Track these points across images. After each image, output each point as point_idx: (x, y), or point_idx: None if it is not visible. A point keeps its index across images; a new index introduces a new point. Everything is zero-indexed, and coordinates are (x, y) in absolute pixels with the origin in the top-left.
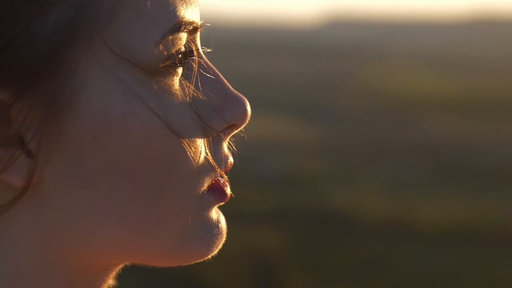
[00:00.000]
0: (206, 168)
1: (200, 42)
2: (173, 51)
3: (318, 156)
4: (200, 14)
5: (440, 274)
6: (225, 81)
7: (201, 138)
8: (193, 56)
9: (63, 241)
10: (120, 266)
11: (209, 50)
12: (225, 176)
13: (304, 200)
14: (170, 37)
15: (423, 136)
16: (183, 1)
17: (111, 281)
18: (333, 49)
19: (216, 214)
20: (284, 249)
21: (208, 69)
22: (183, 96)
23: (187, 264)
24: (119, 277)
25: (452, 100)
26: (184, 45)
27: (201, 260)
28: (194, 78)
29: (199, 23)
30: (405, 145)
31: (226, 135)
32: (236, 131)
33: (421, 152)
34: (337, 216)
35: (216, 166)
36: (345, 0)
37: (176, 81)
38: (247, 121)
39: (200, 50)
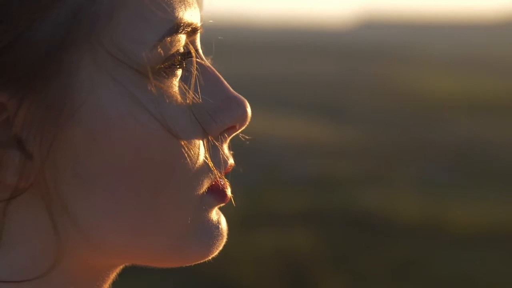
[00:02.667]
0: (206, 169)
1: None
2: (171, 52)
3: (350, 157)
4: (201, 16)
5: (473, 276)
6: (225, 82)
7: (200, 139)
8: (192, 57)
9: (63, 241)
10: (121, 267)
11: (209, 59)
12: (224, 178)
13: (336, 202)
14: (168, 39)
15: (455, 137)
16: (182, 3)
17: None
18: (365, 51)
19: (216, 215)
20: (316, 251)
21: (208, 71)
22: (182, 98)
23: (187, 265)
24: (150, 277)
25: (484, 100)
26: (183, 47)
27: (201, 261)
28: (193, 80)
29: (199, 24)
30: (437, 146)
31: (226, 136)
32: (236, 133)
33: (453, 153)
34: (369, 217)
35: (215, 168)
36: (377, 1)
37: (175, 82)
38: (247, 123)
39: (200, 52)
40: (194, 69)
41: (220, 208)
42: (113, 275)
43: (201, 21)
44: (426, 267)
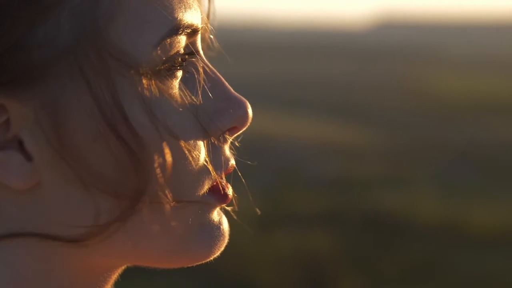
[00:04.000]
0: (206, 170)
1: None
2: (171, 54)
3: (369, 158)
4: (202, 17)
5: (493, 278)
6: (226, 83)
7: (200, 140)
8: (192, 58)
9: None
10: (123, 268)
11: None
12: (222, 180)
13: (355, 203)
14: (168, 40)
15: (475, 139)
16: (182, 4)
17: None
18: (383, 51)
19: (217, 216)
20: (336, 252)
21: (209, 72)
22: (183, 99)
23: (188, 265)
24: (170, 277)
25: (504, 101)
26: (184, 48)
27: (203, 262)
28: (195, 81)
29: (199, 26)
30: (457, 148)
31: (227, 137)
32: (237, 134)
33: (473, 154)
34: (389, 219)
35: (213, 171)
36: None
37: (175, 84)
38: (248, 124)
39: (201, 53)
40: (195, 70)
41: (239, 210)
42: (114, 276)
43: (202, 22)
44: (445, 269)
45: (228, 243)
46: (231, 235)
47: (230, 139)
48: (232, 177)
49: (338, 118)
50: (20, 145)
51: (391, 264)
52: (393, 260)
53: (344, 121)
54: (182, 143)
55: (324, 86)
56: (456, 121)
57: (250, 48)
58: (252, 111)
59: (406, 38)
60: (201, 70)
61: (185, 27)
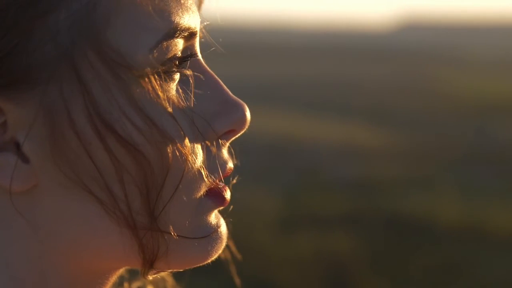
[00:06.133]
0: (203, 173)
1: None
2: (168, 57)
3: (392, 160)
4: (201, 20)
5: None
6: (224, 86)
7: (198, 144)
8: (188, 61)
9: (61, 244)
10: (121, 270)
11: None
12: (216, 184)
13: (378, 205)
14: (165, 43)
15: (498, 140)
16: (179, 7)
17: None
18: (407, 53)
19: (215, 218)
20: (358, 254)
21: (206, 75)
22: (180, 102)
23: (186, 268)
24: (191, 277)
25: None
26: (181, 51)
27: (200, 264)
28: (191, 84)
29: (197, 29)
30: (480, 150)
31: (225, 140)
32: (236, 137)
33: (496, 157)
34: (411, 221)
35: (208, 175)
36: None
37: (172, 87)
38: (246, 127)
39: (199, 55)
40: (192, 73)
41: (262, 211)
42: (113, 278)
43: (200, 25)
44: (467, 271)
45: (250, 244)
46: (252, 236)
47: (228, 142)
48: (254, 179)
49: (361, 119)
50: (17, 148)
51: (413, 266)
52: (415, 262)
53: (366, 122)
54: (179, 146)
55: (347, 88)
56: (479, 123)
57: (275, 50)
58: (276, 113)
59: (429, 40)
60: (198, 73)
61: (182, 30)
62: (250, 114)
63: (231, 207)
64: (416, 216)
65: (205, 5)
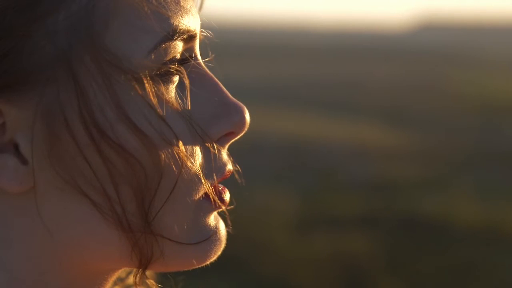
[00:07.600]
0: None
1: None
2: (167, 59)
3: (409, 161)
4: (202, 22)
5: None
6: (224, 89)
7: (196, 146)
8: (188, 63)
9: (59, 246)
10: (120, 271)
11: (208, 64)
12: (211, 188)
13: (394, 206)
14: (164, 45)
15: None
16: (179, 9)
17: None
18: (425, 53)
19: (214, 220)
20: (374, 255)
21: (206, 77)
22: (179, 104)
23: (185, 270)
24: (206, 278)
25: None
26: (180, 53)
27: (199, 266)
28: (190, 87)
29: (196, 31)
30: (497, 151)
31: (224, 143)
32: (235, 139)
33: None
34: (427, 222)
35: (204, 178)
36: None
37: (171, 89)
38: (245, 129)
39: (199, 58)
40: (190, 76)
41: (278, 211)
42: (112, 279)
43: (201, 27)
44: (485, 273)
45: (266, 244)
46: (269, 236)
47: (227, 145)
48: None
49: (378, 120)
50: (16, 149)
51: (429, 267)
52: (431, 263)
53: (384, 123)
54: (177, 149)
55: (364, 88)
56: (496, 123)
57: (291, 50)
58: (293, 114)
59: (447, 40)
60: (197, 75)
61: (181, 33)
62: (267, 115)
63: (246, 208)
64: (432, 217)
65: (217, 6)
